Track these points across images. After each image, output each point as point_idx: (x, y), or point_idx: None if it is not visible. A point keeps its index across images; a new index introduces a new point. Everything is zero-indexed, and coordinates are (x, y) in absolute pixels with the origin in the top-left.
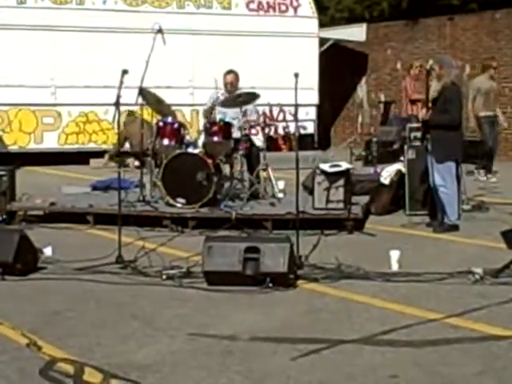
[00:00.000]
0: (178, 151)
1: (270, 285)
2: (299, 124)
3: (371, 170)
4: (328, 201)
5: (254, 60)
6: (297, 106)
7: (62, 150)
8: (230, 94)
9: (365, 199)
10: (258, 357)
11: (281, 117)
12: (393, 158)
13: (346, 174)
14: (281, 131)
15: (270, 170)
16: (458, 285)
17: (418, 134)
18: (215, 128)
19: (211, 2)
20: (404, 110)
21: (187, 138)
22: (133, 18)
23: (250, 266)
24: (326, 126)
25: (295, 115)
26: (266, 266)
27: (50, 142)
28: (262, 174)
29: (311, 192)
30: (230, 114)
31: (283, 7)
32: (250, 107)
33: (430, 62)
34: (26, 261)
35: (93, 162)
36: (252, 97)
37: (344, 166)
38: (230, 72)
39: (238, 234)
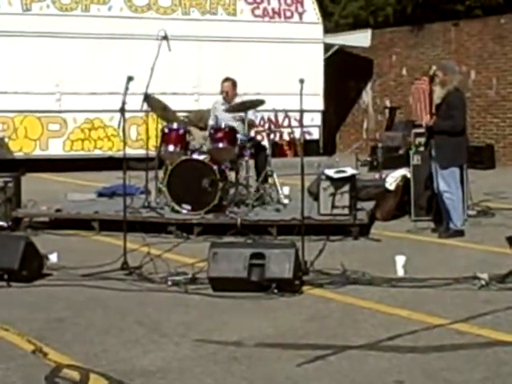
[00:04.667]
0: (183, 157)
1: (276, 291)
2: (304, 130)
3: (376, 175)
4: (333, 206)
5: (259, 66)
6: (302, 111)
7: (68, 157)
8: (231, 102)
9: (370, 205)
10: (263, 363)
11: (286, 123)
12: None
13: (351, 179)
14: (286, 137)
15: (275, 175)
16: (464, 290)
17: (423, 140)
18: (220, 134)
19: (216, 9)
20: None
21: (192, 144)
22: (138, 24)
23: (255, 271)
24: (331, 132)
25: (300, 121)
26: (272, 272)
27: (56, 148)
28: (268, 180)
29: (316, 198)
30: (235, 120)
31: (288, 13)
32: (250, 111)
33: (434, 67)
34: (31, 267)
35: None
36: (257, 104)
37: (349, 171)
38: (226, 80)
39: (244, 240)
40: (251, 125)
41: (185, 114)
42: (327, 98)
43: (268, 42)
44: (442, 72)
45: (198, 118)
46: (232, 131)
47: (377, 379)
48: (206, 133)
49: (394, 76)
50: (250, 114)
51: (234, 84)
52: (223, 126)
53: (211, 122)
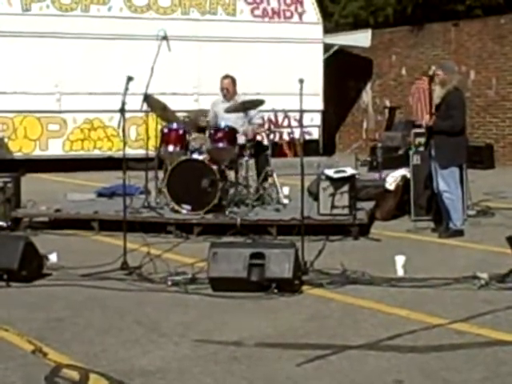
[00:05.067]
0: (182, 157)
1: (275, 291)
2: (304, 130)
3: (376, 175)
4: (333, 206)
5: (258, 66)
6: (302, 111)
7: (67, 157)
8: (233, 101)
9: (370, 205)
10: (263, 363)
11: (286, 123)
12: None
13: (351, 179)
14: (286, 137)
15: (275, 175)
16: (464, 290)
17: (422, 140)
18: (220, 134)
19: (216, 9)
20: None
21: (192, 144)
22: (138, 24)
23: (255, 271)
24: (330, 132)
25: (300, 121)
26: (271, 272)
27: (55, 148)
28: (268, 180)
29: (316, 198)
30: (234, 120)
31: (288, 13)
32: (253, 112)
33: (433, 67)
34: (31, 267)
35: None
36: (257, 103)
37: (349, 171)
38: (226, 77)
39: (243, 240)
40: (257, 128)
41: (185, 113)
42: (327, 98)
43: (268, 42)
44: (442, 71)
45: (199, 117)
46: (232, 131)
47: (376, 379)
48: (206, 133)
49: (393, 76)
50: (256, 118)
51: (233, 81)
52: (223, 125)
53: (210, 118)
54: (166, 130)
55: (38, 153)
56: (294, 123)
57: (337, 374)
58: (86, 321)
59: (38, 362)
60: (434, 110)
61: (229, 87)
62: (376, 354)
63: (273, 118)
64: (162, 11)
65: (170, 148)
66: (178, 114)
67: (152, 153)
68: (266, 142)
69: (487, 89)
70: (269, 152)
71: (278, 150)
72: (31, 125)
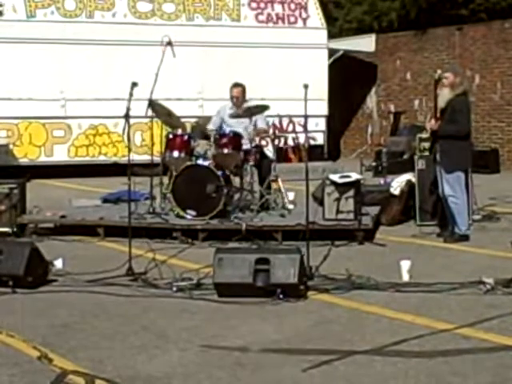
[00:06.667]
0: (187, 163)
1: (281, 296)
2: (309, 135)
3: (381, 180)
4: (338, 211)
5: (263, 71)
6: (306, 116)
7: (72, 163)
8: (239, 108)
9: (375, 210)
10: (269, 368)
11: (290, 128)
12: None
13: (355, 184)
14: (291, 142)
15: (280, 181)
16: (469, 295)
17: (427, 145)
18: (225, 140)
19: (220, 14)
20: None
21: (197, 149)
22: (142, 30)
23: (260, 277)
24: (335, 137)
25: (305, 126)
26: (277, 278)
27: (60, 154)
28: (272, 185)
29: (321, 203)
30: (240, 126)
31: (292, 19)
32: (259, 117)
33: (439, 71)
34: (36, 273)
35: None
36: (261, 109)
37: (354, 176)
38: (236, 85)
39: (249, 246)
40: (262, 133)
41: (194, 119)
42: (332, 103)
43: (272, 48)
44: (453, 74)
45: (206, 125)
46: (237, 137)
47: None
48: (211, 139)
49: (398, 81)
50: (261, 123)
51: (243, 90)
52: (227, 131)
53: (211, 127)
54: (170, 136)
55: (43, 159)
56: (299, 128)
57: (342, 379)
58: (92, 327)
59: (44, 369)
60: (438, 115)
61: (239, 95)
62: (382, 359)
63: (278, 124)
64: (167, 17)
65: (175, 154)
66: (184, 120)
67: (157, 159)
68: (270, 147)
69: (492, 93)
70: (273, 157)
71: (282, 155)
72: (36, 131)
